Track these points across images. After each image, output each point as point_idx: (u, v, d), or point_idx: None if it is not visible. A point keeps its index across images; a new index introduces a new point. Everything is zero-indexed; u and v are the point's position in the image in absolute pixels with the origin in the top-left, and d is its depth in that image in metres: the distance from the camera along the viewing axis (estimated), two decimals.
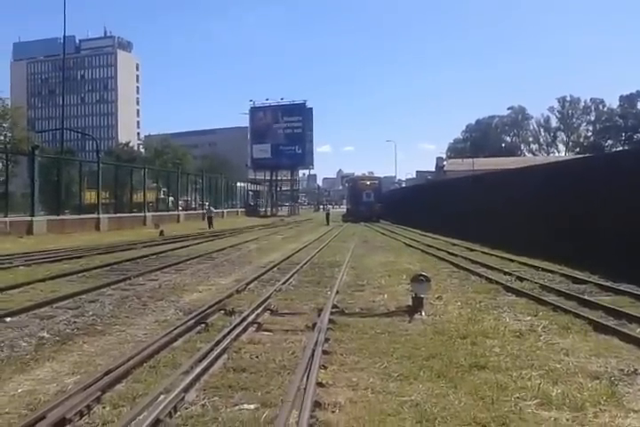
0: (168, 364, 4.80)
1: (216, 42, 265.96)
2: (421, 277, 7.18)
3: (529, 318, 6.82)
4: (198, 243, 19.86)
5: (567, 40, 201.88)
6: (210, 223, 31.94)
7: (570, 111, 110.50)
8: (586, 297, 8.09)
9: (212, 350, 5.04)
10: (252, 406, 3.87)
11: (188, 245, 18.46)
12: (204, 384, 4.29)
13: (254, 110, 69.17)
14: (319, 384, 4.22)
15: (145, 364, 4.78)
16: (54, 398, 3.85)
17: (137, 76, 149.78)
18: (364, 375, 4.53)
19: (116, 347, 5.53)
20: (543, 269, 11.30)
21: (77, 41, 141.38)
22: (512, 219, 17.45)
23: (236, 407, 3.86)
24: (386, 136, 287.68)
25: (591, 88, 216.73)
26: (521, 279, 9.97)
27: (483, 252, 15.43)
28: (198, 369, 4.44)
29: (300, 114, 68.00)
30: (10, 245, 17.75)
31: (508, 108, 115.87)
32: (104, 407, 3.83)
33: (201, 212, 43.44)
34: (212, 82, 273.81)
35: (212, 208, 36.17)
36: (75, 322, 6.60)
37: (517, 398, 3.97)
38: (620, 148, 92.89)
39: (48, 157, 28.71)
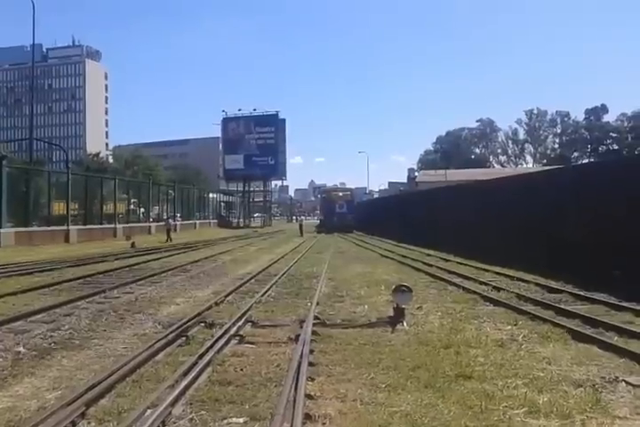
0: (151, 378, 4.71)
1: (187, 51, 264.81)
2: (403, 288, 7.22)
3: (509, 327, 6.90)
4: (171, 255, 19.60)
5: (535, 54, 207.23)
6: (168, 236, 29.75)
7: (537, 124, 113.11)
8: (562, 306, 8.23)
9: (195, 363, 4.97)
10: (240, 420, 3.82)
11: (161, 257, 18.23)
12: (191, 398, 4.21)
13: (227, 121, 69.10)
14: (308, 396, 4.18)
15: (128, 378, 4.67)
16: (36, 415, 3.74)
17: (105, 85, 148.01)
18: (352, 387, 4.51)
19: (96, 361, 5.40)
20: (518, 279, 11.45)
21: (45, 49, 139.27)
22: (485, 229, 17.72)
23: (225, 421, 3.80)
24: (357, 147, 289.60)
25: (557, 101, 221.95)
26: (497, 289, 10.10)
27: (457, 262, 15.57)
28: (183, 383, 4.37)
29: (272, 124, 68.13)
30: None
31: (477, 121, 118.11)
32: (89, 423, 3.75)
33: (172, 223, 42.98)
34: (184, 92, 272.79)
35: (170, 220, 33.48)
36: (51, 336, 6.43)
37: (505, 406, 4.00)
38: (586, 159, 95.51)
39: (16, 167, 28.09)
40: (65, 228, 27.44)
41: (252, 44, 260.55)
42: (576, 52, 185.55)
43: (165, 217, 36.48)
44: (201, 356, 5.22)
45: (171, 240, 28.62)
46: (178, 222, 43.88)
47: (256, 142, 67.52)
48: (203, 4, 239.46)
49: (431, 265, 14.87)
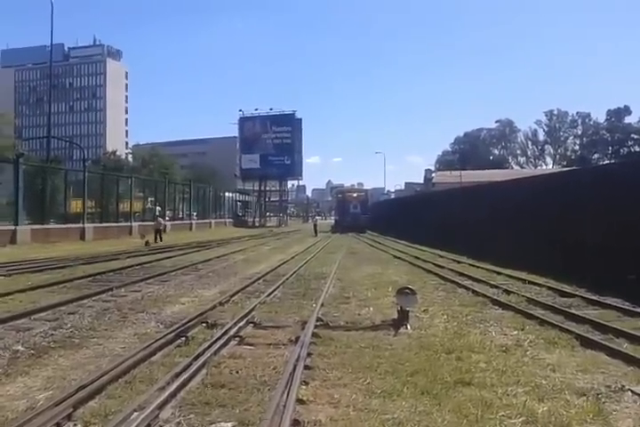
0: (144, 379, 4.65)
1: (206, 51, 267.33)
2: (407, 290, 7.08)
3: (515, 332, 6.73)
4: (184, 253, 19.64)
5: (555, 54, 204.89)
6: (158, 236, 27.05)
7: (557, 125, 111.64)
8: (573, 311, 8.04)
9: (190, 364, 4.90)
10: (229, 425, 3.74)
11: (173, 256, 18.26)
12: (181, 401, 4.14)
13: (243, 120, 69.24)
14: (299, 401, 4.09)
15: (120, 379, 4.62)
16: (23, 416, 3.69)
17: (126, 84, 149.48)
18: (347, 392, 4.41)
19: (92, 361, 5.36)
20: (530, 282, 11.24)
21: (66, 49, 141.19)
22: (499, 231, 17.46)
23: (213, 426, 3.72)
24: (374, 148, 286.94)
25: (578, 102, 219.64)
26: (507, 292, 9.90)
27: (469, 264, 15.37)
28: (175, 385, 4.30)
29: (289, 124, 68.10)
30: None
31: (496, 122, 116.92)
32: (75, 425, 3.69)
33: (187, 222, 43.17)
34: (202, 91, 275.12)
35: (160, 219, 29.55)
36: (52, 334, 6.42)
37: (502, 415, 3.87)
38: (607, 161, 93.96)
39: (33, 164, 28.34)
40: (81, 225, 27.64)
41: (269, 43, 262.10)
42: (598, 52, 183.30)
43: (157, 215, 32.58)
44: (197, 357, 5.15)
45: (160, 240, 26.48)
46: (194, 221, 44.14)
47: (272, 142, 67.54)
48: (221, 4, 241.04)
49: (442, 267, 14.68)
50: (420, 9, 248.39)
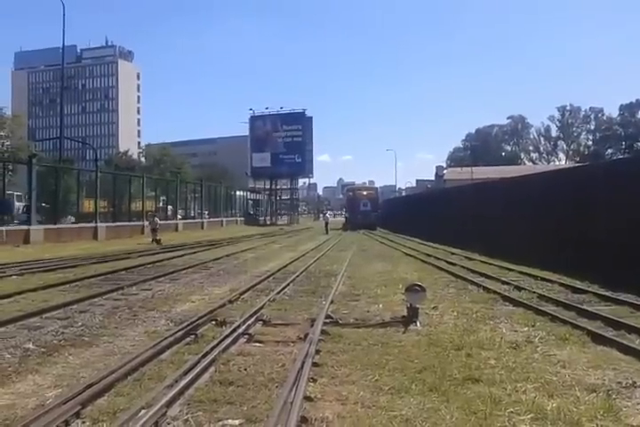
0: (153, 377, 4.66)
1: (216, 51, 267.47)
2: (416, 287, 7.04)
3: (526, 328, 6.68)
4: (195, 252, 19.71)
5: (567, 49, 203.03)
6: (154, 236, 25.15)
7: (570, 120, 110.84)
8: (585, 307, 7.96)
9: (199, 362, 4.91)
10: (236, 422, 3.74)
11: (184, 255, 18.32)
12: (189, 398, 4.15)
13: (254, 119, 69.26)
14: (307, 398, 4.07)
15: (129, 377, 4.63)
16: (32, 413, 3.72)
17: (138, 85, 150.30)
18: (355, 389, 4.39)
19: (102, 359, 5.39)
20: (542, 279, 11.15)
21: (79, 50, 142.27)
22: (512, 228, 17.31)
23: (220, 423, 3.72)
24: (384, 145, 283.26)
25: (591, 97, 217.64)
26: (519, 289, 9.84)
27: (481, 261, 15.29)
28: (183, 382, 4.30)
29: (299, 123, 67.99)
30: (5, 254, 17.61)
31: (508, 118, 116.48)
32: (83, 422, 3.71)
33: (199, 220, 43.34)
34: (213, 91, 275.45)
35: (156, 219, 26.96)
36: (63, 333, 6.47)
37: (511, 412, 3.83)
38: (621, 156, 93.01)
39: (46, 165, 28.55)
40: (93, 225, 27.84)
41: (279, 42, 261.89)
42: (611, 47, 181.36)
43: (152, 215, 29.17)
44: (205, 355, 5.16)
45: (157, 242, 24.52)
46: (205, 220, 44.33)
47: (283, 140, 67.46)
48: (231, 4, 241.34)
49: (454, 264, 14.61)
50: (430, 4, 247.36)
